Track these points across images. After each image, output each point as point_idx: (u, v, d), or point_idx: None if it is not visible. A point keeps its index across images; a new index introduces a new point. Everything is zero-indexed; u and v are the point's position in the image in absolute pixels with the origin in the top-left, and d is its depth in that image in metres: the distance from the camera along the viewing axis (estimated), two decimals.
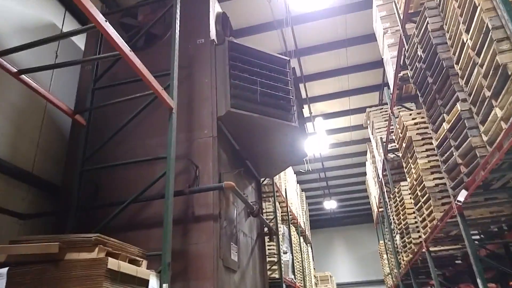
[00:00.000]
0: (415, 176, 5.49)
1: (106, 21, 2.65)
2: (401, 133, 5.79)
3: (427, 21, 3.52)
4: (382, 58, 9.64)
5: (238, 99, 4.62)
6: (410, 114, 5.61)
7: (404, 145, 5.80)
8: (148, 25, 5.26)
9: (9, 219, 4.21)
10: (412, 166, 5.60)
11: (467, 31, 2.80)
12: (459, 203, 3.58)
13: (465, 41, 2.86)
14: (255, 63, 5.00)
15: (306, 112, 11.97)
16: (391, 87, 6.31)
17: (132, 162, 3.89)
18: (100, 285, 2.27)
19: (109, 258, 2.35)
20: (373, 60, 10.21)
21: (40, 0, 5.44)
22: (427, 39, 3.61)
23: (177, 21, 4.17)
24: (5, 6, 4.73)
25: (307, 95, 11.39)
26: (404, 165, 6.16)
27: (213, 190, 3.99)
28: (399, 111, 6.32)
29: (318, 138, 12.88)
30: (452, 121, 3.37)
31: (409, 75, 4.44)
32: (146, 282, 2.78)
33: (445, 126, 3.57)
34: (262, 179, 8.98)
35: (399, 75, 5.60)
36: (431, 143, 5.24)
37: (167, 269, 2.96)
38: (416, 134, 5.41)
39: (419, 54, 3.86)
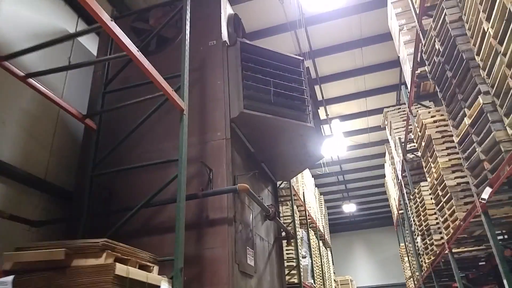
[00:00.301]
0: (435, 175, 5.29)
1: (112, 20, 2.62)
2: (420, 131, 5.60)
3: (445, 13, 3.37)
4: (399, 57, 9.44)
5: (251, 100, 4.55)
6: (429, 112, 5.42)
7: (423, 144, 5.61)
8: (159, 29, 5.28)
9: (20, 227, 4.20)
10: (432, 165, 5.40)
11: (488, 19, 2.65)
12: (483, 201, 3.40)
13: (486, 30, 2.71)
14: (268, 64, 4.92)
15: (322, 114, 11.82)
16: (409, 85, 6.13)
17: (143, 166, 3.86)
18: None
19: (117, 264, 2.29)
20: (389, 59, 10.01)
21: (53, 7, 5.51)
22: (445, 31, 3.46)
23: (188, 23, 4.14)
24: (17, 13, 4.80)
25: (323, 97, 11.25)
26: (424, 164, 5.96)
27: (227, 193, 3.91)
28: (417, 110, 6.13)
29: (335, 140, 12.68)
30: (474, 115, 3.21)
31: (427, 70, 4.28)
32: None
33: (467, 121, 3.40)
34: (279, 183, 8.89)
35: (416, 72, 5.42)
36: (452, 141, 5.04)
37: (179, 274, 2.88)
38: (436, 132, 5.22)
39: (437, 48, 3.70)
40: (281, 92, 4.77)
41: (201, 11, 5.24)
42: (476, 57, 3.03)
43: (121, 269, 2.31)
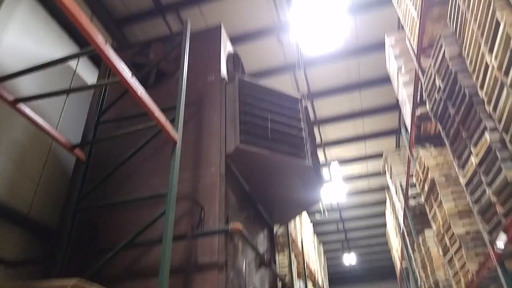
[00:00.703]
0: (441, 222, 5.01)
1: (106, 43, 2.53)
2: (423, 174, 5.40)
3: (444, 50, 3.32)
4: (397, 100, 9.44)
5: (248, 135, 4.40)
6: (431, 154, 5.25)
7: (426, 188, 5.38)
8: (159, 63, 5.26)
9: None
10: (437, 211, 5.14)
11: (491, 51, 2.57)
12: (498, 251, 3.12)
13: (489, 62, 2.61)
14: (266, 101, 4.85)
15: (321, 157, 11.67)
16: (409, 127, 6.02)
17: (129, 202, 3.62)
18: None
19: None
20: (388, 103, 10.02)
21: (55, 40, 5.54)
22: (445, 67, 3.39)
23: (186, 55, 4.11)
24: (19, 45, 4.79)
25: (321, 139, 11.16)
26: (428, 210, 5.69)
27: (218, 233, 3.63)
28: (419, 153, 5.96)
29: (335, 186, 12.42)
30: (481, 153, 3.04)
31: (428, 108, 4.17)
32: None
33: (474, 160, 3.22)
34: (276, 228, 8.51)
35: (416, 113, 5.33)
36: (457, 185, 4.82)
37: None
38: (439, 175, 5.02)
39: (438, 85, 3.62)
40: (279, 129, 4.64)
41: (201, 47, 5.26)
42: (479, 91, 2.92)
43: None
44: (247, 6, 7.15)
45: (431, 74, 3.81)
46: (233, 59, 5.50)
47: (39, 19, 5.25)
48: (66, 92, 3.19)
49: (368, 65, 8.68)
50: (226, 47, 5.49)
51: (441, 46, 3.38)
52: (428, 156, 5.21)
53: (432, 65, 3.71)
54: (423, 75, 4.35)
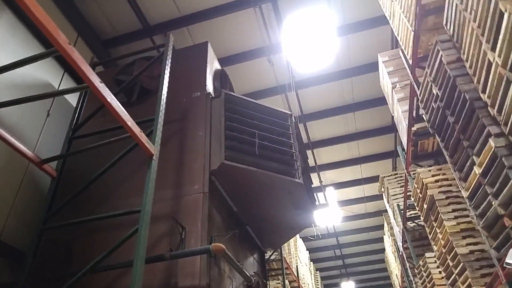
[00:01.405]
0: (442, 242, 4.69)
1: (69, 43, 2.30)
2: (421, 193, 5.12)
3: (441, 55, 3.13)
4: (393, 122, 9.29)
5: (234, 151, 4.14)
6: (430, 171, 4.99)
7: (425, 206, 5.09)
8: (141, 81, 5.06)
9: None
10: (438, 231, 4.83)
11: (493, 48, 2.37)
12: (508, 266, 2.80)
13: (492, 60, 2.41)
14: (254, 116, 4.62)
15: (316, 181, 11.37)
16: (405, 145, 5.79)
17: (101, 218, 3.29)
18: None
19: None
20: (383, 125, 9.87)
21: (39, 61, 5.35)
22: (442, 74, 3.19)
23: (167, 67, 3.91)
24: None
25: (315, 162, 10.89)
26: (428, 231, 5.37)
27: (198, 254, 3.30)
28: (417, 171, 5.70)
29: (330, 210, 12.05)
30: (486, 162, 2.78)
31: (425, 119, 3.96)
32: None
33: (477, 170, 2.97)
34: (269, 254, 8.10)
35: (412, 129, 5.12)
36: (459, 202, 4.55)
37: None
38: (439, 192, 4.74)
39: (435, 93, 3.41)
40: (267, 145, 4.39)
41: (187, 64, 5.09)
42: (481, 95, 2.71)
43: None
44: (237, 27, 7.07)
45: (427, 83, 3.62)
46: (221, 76, 5.31)
47: (19, 36, 5.06)
48: (29, 100, 2.92)
49: (362, 85, 8.56)
50: (213, 64, 5.32)
51: (437, 52, 3.20)
52: (426, 173, 4.95)
53: (428, 73, 3.52)
54: (419, 88, 4.16)
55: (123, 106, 3.23)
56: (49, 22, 2.21)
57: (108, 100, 2.63)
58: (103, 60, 5.30)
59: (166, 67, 3.95)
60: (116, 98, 3.06)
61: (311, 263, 13.64)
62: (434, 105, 3.55)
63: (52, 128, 5.20)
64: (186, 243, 3.50)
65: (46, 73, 5.45)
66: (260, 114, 4.71)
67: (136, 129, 2.99)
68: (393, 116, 6.84)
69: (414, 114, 4.95)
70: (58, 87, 5.67)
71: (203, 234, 3.54)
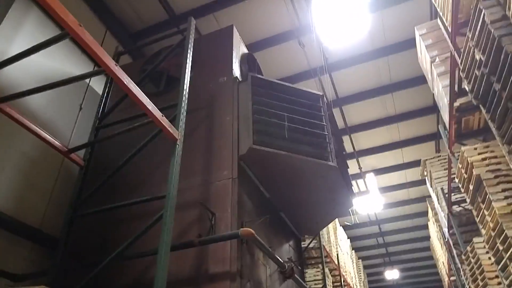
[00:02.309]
0: (491, 225, 4.32)
1: (80, 25, 2.26)
2: (466, 173, 4.75)
3: (484, 14, 2.81)
4: (434, 101, 8.74)
5: (263, 135, 4.02)
6: (475, 149, 4.61)
7: (471, 188, 4.72)
8: (168, 70, 5.04)
9: (2, 281, 3.71)
10: (486, 213, 4.46)
11: None
12: None
13: None
14: (283, 98, 4.47)
15: (354, 167, 11.03)
16: (447, 123, 5.39)
17: (127, 205, 3.30)
18: None
19: None
20: (424, 105, 9.32)
21: (69, 56, 5.49)
22: (486, 35, 2.87)
23: (190, 50, 3.84)
24: (31, 61, 4.72)
25: (354, 148, 10.54)
26: (475, 214, 4.98)
27: (227, 239, 3.24)
28: (458, 154, 5.28)
29: (371, 197, 11.66)
30: None
31: (468, 89, 3.60)
32: None
33: None
34: (308, 241, 7.95)
35: (455, 104, 4.73)
36: (509, 181, 4.16)
37: None
38: (487, 171, 4.36)
39: (478, 58, 3.08)
40: (297, 127, 4.22)
41: (212, 49, 5.02)
42: None
43: None
44: (264, 10, 6.88)
45: (469, 48, 3.28)
46: (248, 60, 5.18)
47: (48, 33, 5.18)
48: (51, 86, 2.94)
49: (399, 64, 8.11)
50: (240, 48, 5.20)
51: (479, 12, 2.87)
52: (471, 151, 4.57)
53: (470, 37, 3.18)
54: (460, 57, 3.80)
55: (152, 96, 3.23)
56: (58, 5, 2.17)
57: (125, 83, 2.58)
58: (127, 49, 5.33)
59: (189, 50, 3.88)
60: (145, 89, 3.06)
61: (353, 251, 13.32)
62: (477, 73, 3.21)
63: (85, 121, 5.33)
64: (216, 229, 3.45)
65: (77, 68, 5.59)
66: (289, 96, 4.55)
67: (157, 113, 2.94)
68: (434, 94, 6.40)
69: (456, 89, 4.56)
70: (89, 82, 5.80)
71: (233, 220, 3.47)
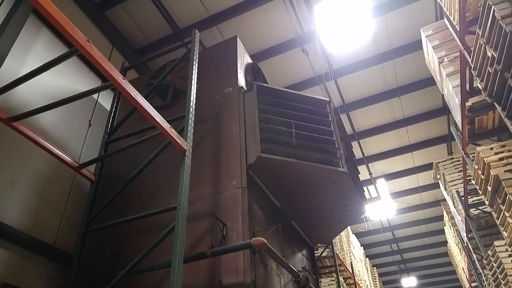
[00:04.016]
0: None
1: (89, 42, 2.26)
2: (483, 174, 4.63)
3: (493, 10, 2.75)
4: (444, 102, 8.64)
5: (270, 143, 3.98)
6: (491, 149, 4.50)
7: (489, 189, 4.59)
8: (174, 83, 5.05)
9: None
10: (507, 214, 4.33)
11: None
12: None
13: None
14: (289, 105, 4.43)
15: (365, 173, 10.90)
16: (460, 124, 5.29)
17: (138, 218, 3.26)
18: None
19: None
20: (433, 107, 9.20)
21: (77, 73, 5.55)
22: (497, 31, 2.81)
23: (195, 61, 3.83)
24: (41, 80, 4.76)
25: (363, 154, 10.42)
26: (495, 216, 4.84)
27: (240, 249, 3.17)
28: (473, 154, 5.16)
29: (383, 203, 11.48)
30: None
31: (481, 87, 3.52)
32: None
33: None
34: (321, 250, 7.81)
35: (467, 104, 4.64)
36: None
37: None
38: (505, 171, 4.25)
39: (490, 55, 3.02)
40: (305, 134, 4.17)
41: (217, 60, 5.03)
42: None
43: None
44: (266, 20, 6.91)
45: (480, 46, 3.22)
46: (252, 69, 5.17)
47: (58, 52, 5.24)
48: (61, 103, 2.95)
49: (406, 67, 8.04)
50: (244, 58, 5.20)
51: (489, 8, 2.82)
52: (487, 151, 4.46)
53: (480, 34, 3.12)
54: (470, 56, 3.73)
55: (159, 110, 3.22)
56: (66, 22, 2.19)
57: (133, 95, 2.57)
58: (134, 64, 5.37)
59: (194, 61, 3.88)
60: (152, 102, 3.05)
61: (367, 259, 13.08)
62: (490, 70, 3.14)
63: (94, 137, 5.36)
64: (228, 239, 3.40)
65: (85, 85, 5.64)
66: (296, 103, 4.51)
67: (165, 125, 2.92)
68: (443, 95, 6.31)
69: (467, 88, 4.48)
70: (97, 99, 5.84)
71: (245, 229, 3.42)
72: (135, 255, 3.68)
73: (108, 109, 5.78)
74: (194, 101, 3.52)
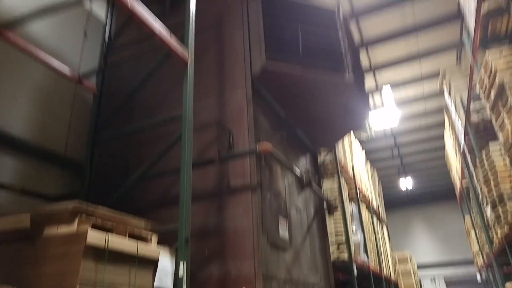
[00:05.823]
0: (510, 128, 4.34)
1: None
2: (489, 79, 4.63)
3: None
4: (459, 9, 8.16)
5: (276, 51, 3.94)
6: (501, 54, 4.43)
7: (493, 94, 4.64)
8: None
9: (38, 203, 4.01)
10: (506, 117, 4.44)
11: None
12: None
13: None
14: (296, 13, 4.26)
15: (371, 82, 10.81)
16: (472, 26, 5.09)
17: (145, 126, 3.44)
18: (77, 266, 1.77)
19: (90, 231, 1.84)
20: (446, 13, 8.67)
21: None
22: None
23: None
24: None
25: (370, 63, 10.21)
26: (494, 119, 4.97)
27: (248, 155, 3.37)
28: (484, 58, 5.06)
29: (387, 111, 11.59)
30: None
31: None
32: (153, 262, 2.25)
33: None
34: (323, 155, 8.17)
35: (483, 4, 4.42)
36: None
37: (184, 245, 2.42)
38: (511, 77, 4.24)
39: None
40: (312, 41, 4.08)
41: None
42: None
43: (95, 237, 1.87)
44: None
45: None
46: None
47: None
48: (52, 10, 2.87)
49: None
50: None
51: None
52: (496, 56, 4.39)
53: None
54: None
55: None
56: None
57: (128, 2, 2.49)
58: None
59: None
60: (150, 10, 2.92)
61: (368, 163, 13.67)
62: None
63: (91, 49, 5.20)
64: (234, 147, 3.59)
65: None
66: (303, 10, 4.32)
67: (164, 34, 2.87)
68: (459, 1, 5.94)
69: None
70: (91, 11, 5.55)
71: (250, 137, 3.58)
72: (144, 163, 3.93)
73: (102, 18, 5.55)
74: (194, 5, 3.39)
